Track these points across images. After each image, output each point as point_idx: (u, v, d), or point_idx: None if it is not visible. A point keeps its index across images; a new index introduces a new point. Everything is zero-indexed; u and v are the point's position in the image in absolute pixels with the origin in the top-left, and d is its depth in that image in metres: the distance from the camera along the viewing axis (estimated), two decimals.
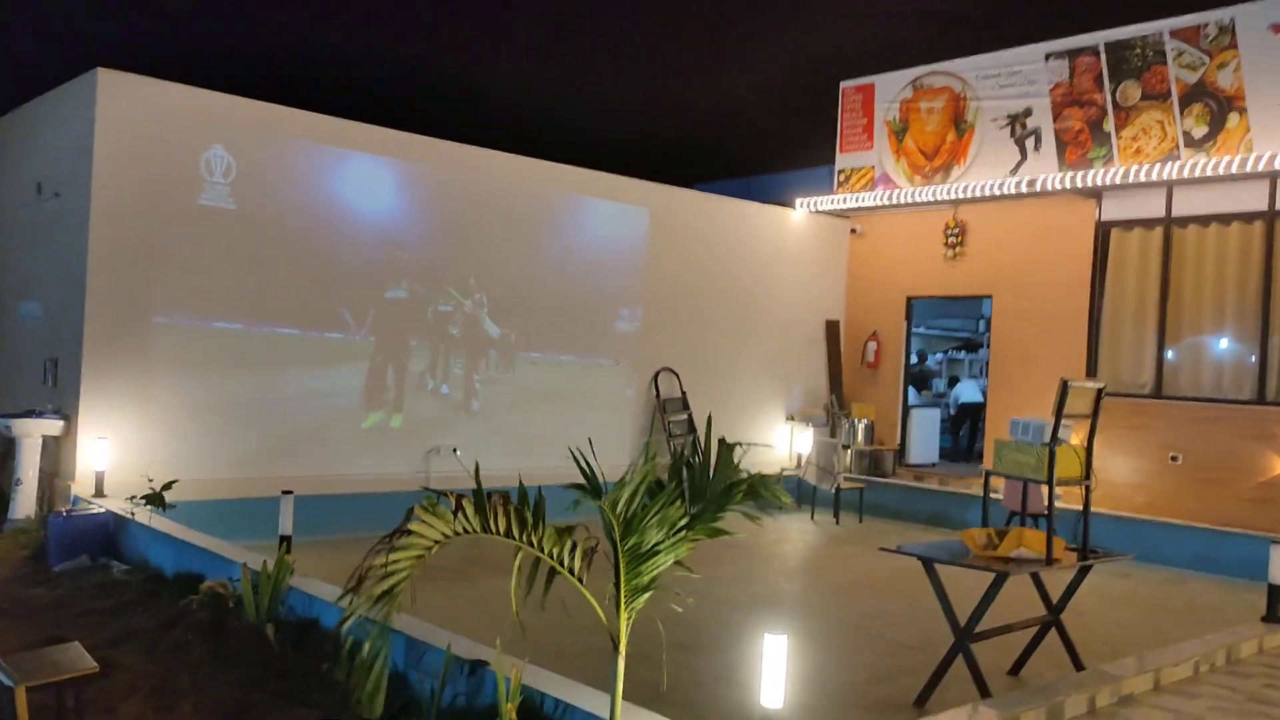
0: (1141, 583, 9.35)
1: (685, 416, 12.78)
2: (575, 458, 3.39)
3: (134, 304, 8.75)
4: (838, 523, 12.15)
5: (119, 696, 4.73)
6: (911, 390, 15.74)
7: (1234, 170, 10.49)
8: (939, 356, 19.50)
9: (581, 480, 3.41)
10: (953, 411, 16.45)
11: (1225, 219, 11.04)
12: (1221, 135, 10.81)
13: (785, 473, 13.34)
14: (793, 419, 14.03)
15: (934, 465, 14.28)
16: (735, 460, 3.92)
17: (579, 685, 4.23)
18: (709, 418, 3.93)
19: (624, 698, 4.13)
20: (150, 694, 4.74)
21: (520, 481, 3.47)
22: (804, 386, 14.33)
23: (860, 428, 13.88)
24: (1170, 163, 11.08)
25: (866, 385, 14.43)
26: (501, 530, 3.24)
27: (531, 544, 3.32)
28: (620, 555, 3.40)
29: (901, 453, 14.04)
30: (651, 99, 14.17)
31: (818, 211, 14.21)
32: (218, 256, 9.21)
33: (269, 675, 4.97)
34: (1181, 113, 11.10)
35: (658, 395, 12.67)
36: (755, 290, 13.69)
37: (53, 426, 8.56)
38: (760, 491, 3.83)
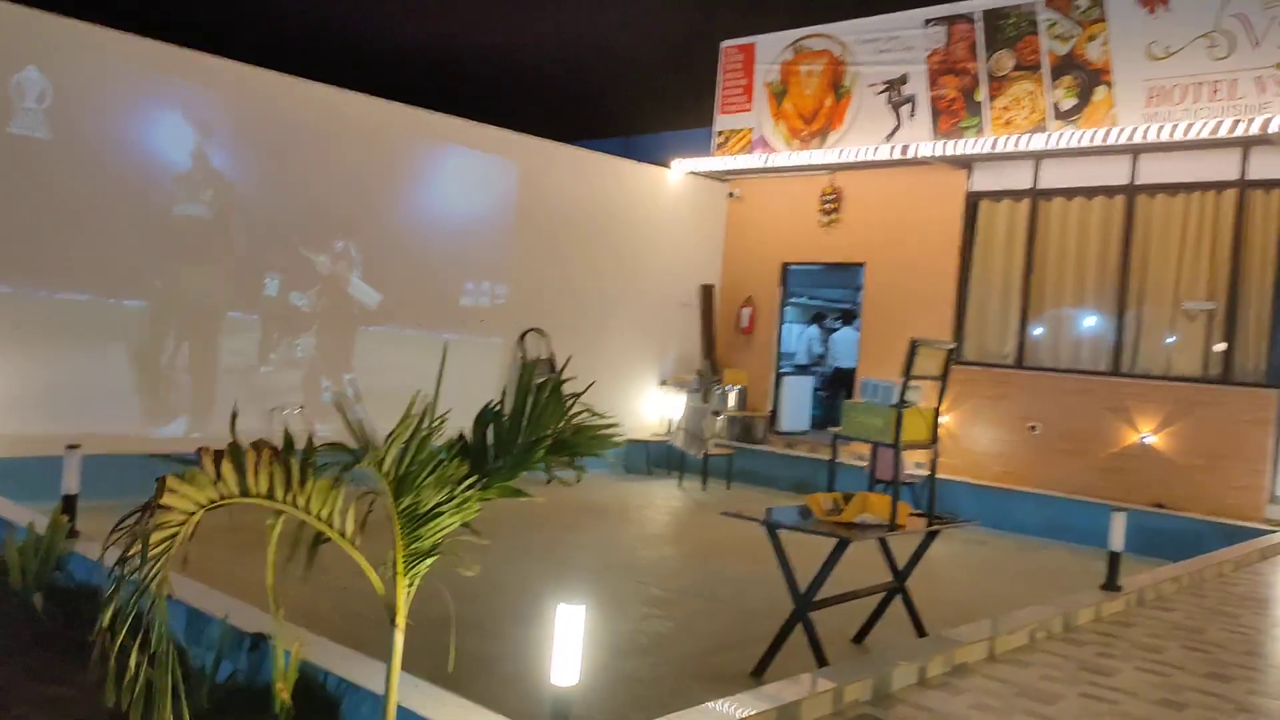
0: (995, 550, 9.41)
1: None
2: (341, 410, 2.96)
3: None
4: (704, 489, 11.97)
5: None
6: (811, 341, 15.70)
7: (1098, 143, 10.59)
8: (812, 331, 19.48)
9: (348, 441, 2.97)
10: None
11: (1089, 192, 11.16)
12: (1088, 108, 10.91)
13: (656, 438, 13.12)
14: (665, 383, 13.78)
15: (805, 433, 14.23)
16: (563, 409, 3.54)
17: (368, 660, 3.83)
18: (525, 364, 3.53)
19: (422, 674, 3.76)
20: None
21: (286, 434, 3.01)
22: (678, 351, 14.08)
23: (732, 394, 13.72)
24: (1038, 134, 11.13)
25: (740, 351, 14.28)
26: (263, 491, 2.80)
27: (295, 505, 2.88)
28: (395, 517, 2.99)
29: (773, 420, 13.95)
30: (531, 41, 13.60)
31: (696, 173, 13.92)
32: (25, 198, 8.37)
33: (29, 647, 4.41)
34: (1052, 84, 11.16)
35: (524, 357, 12.23)
36: (630, 251, 13.34)
37: None
38: (576, 447, 3.46)
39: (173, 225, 9.29)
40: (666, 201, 13.78)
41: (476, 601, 6.17)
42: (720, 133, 14.01)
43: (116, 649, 2.84)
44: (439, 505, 3.02)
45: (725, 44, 13.85)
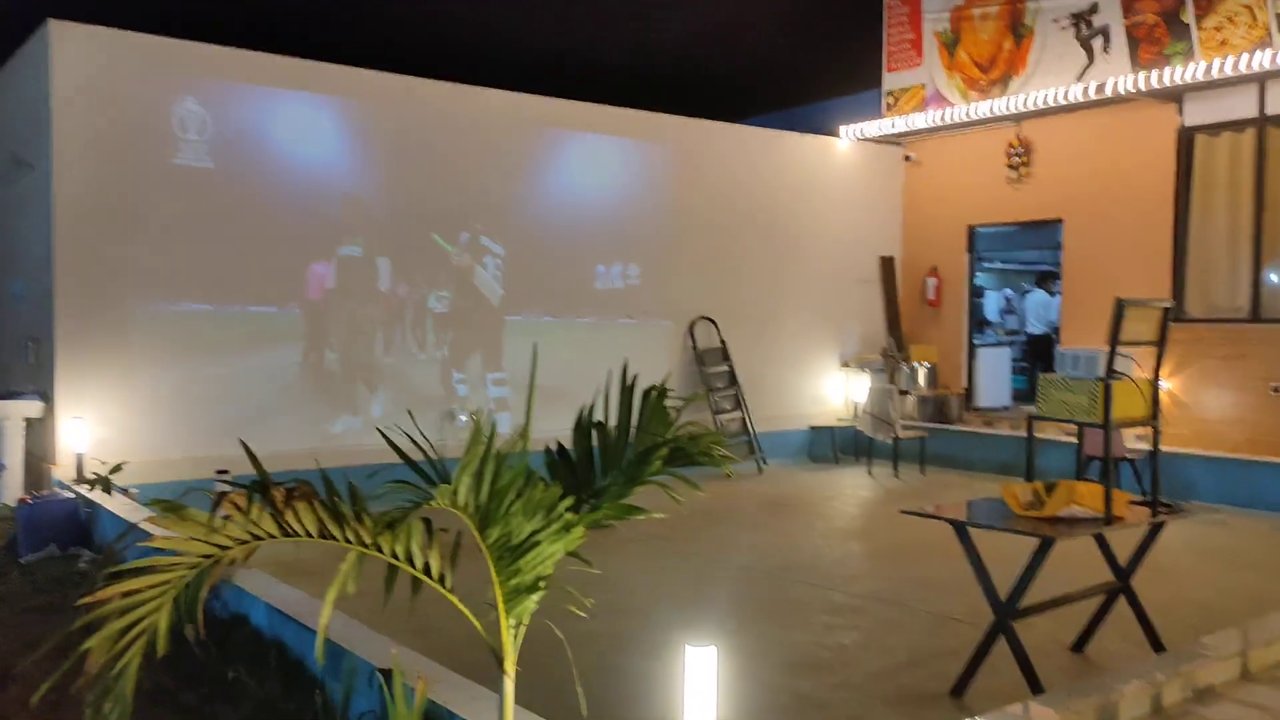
0: (1239, 533, 8.17)
1: (726, 368, 11.87)
2: (387, 438, 2.56)
3: (107, 275, 8.20)
4: (896, 475, 11.16)
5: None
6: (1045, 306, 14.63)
7: None
8: (1007, 293, 18.12)
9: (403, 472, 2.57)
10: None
11: None
12: None
13: (841, 422, 12.39)
14: (848, 365, 12.99)
15: (1006, 409, 13.09)
16: (669, 416, 3.05)
17: (492, 696, 3.44)
18: (624, 365, 3.05)
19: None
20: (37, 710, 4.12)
21: (320, 469, 2.63)
22: (859, 330, 13.25)
23: (921, 371, 12.79)
24: (1262, 52, 9.65)
25: (928, 325, 13.29)
26: (314, 531, 2.44)
27: (364, 543, 2.51)
28: (486, 552, 2.57)
29: (969, 396, 12.90)
30: (681, 29, 13.11)
31: (865, 139, 13.03)
32: (195, 223, 8.60)
33: (182, 686, 4.31)
34: None
35: (695, 347, 11.78)
36: (800, 228, 12.62)
37: (32, 408, 8.10)
38: (693, 455, 2.95)
39: (328, 235, 9.38)
40: (836, 172, 12.97)
41: (633, 617, 5.76)
42: (890, 93, 13.05)
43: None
44: (535, 534, 2.58)
45: None
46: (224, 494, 2.73)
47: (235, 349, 8.86)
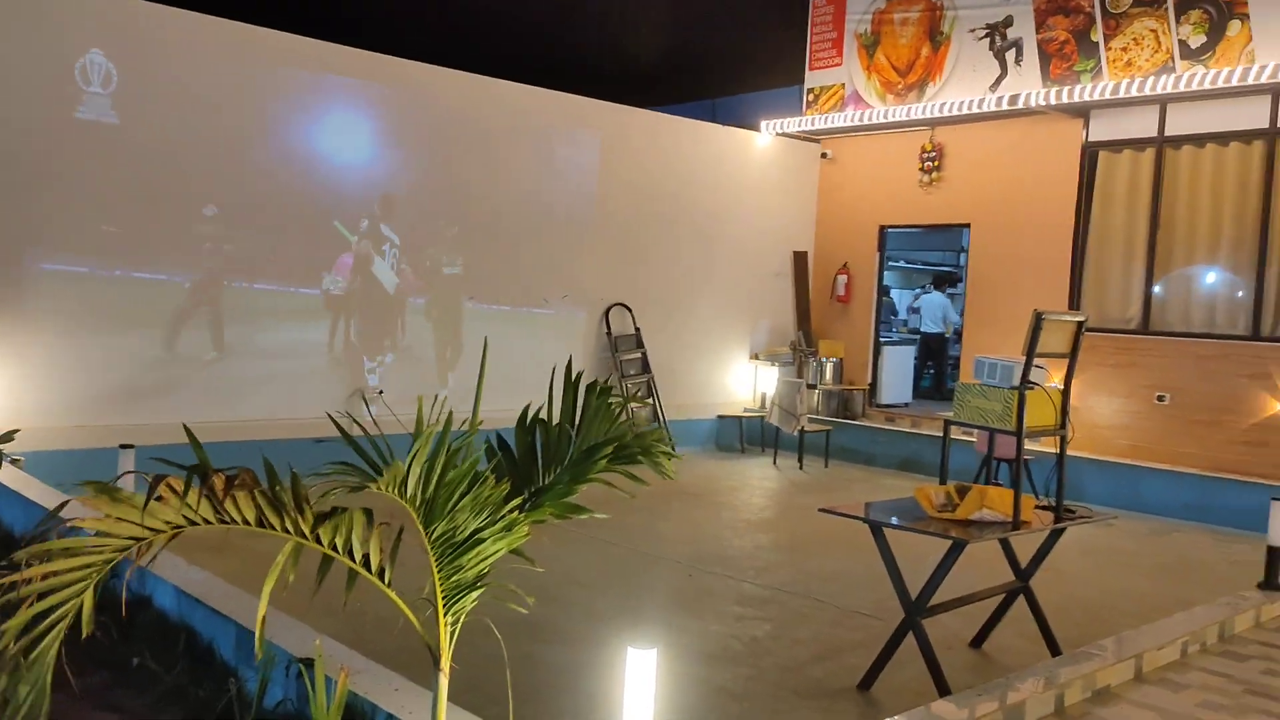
0: (1126, 534, 8.60)
1: (639, 355, 11.91)
2: (335, 422, 2.50)
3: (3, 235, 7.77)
4: (801, 468, 11.38)
5: None
6: (946, 309, 14.99)
7: (1234, 83, 9.54)
8: (915, 292, 18.62)
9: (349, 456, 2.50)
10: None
11: (1222, 138, 10.10)
12: (1221, 45, 9.84)
13: (749, 414, 12.56)
14: (757, 358, 13.18)
15: (907, 405, 13.49)
16: (614, 413, 3.04)
17: (423, 692, 3.40)
18: (569, 362, 3.03)
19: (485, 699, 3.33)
20: None
21: (266, 463, 2.54)
22: (771, 322, 13.45)
23: (828, 366, 13.05)
24: (1164, 76, 10.11)
25: (836, 321, 13.56)
26: (252, 520, 2.36)
27: (303, 534, 2.44)
28: (429, 548, 2.53)
29: (873, 392, 13.23)
30: (607, 11, 13.04)
31: (784, 134, 13.19)
32: (96, 182, 8.20)
33: (83, 666, 4.12)
34: (1177, 20, 10.11)
35: (609, 333, 11.78)
36: (718, 219, 12.72)
37: None
38: (638, 455, 2.95)
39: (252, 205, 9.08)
40: (755, 166, 13.10)
41: (552, 605, 5.75)
42: (810, 90, 13.24)
43: None
44: (479, 531, 2.54)
45: None
46: (161, 476, 2.62)
47: (136, 316, 8.50)
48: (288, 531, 2.46)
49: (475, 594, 2.71)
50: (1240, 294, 10.04)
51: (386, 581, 2.65)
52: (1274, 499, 5.42)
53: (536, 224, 11.06)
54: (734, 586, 6.55)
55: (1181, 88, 9.92)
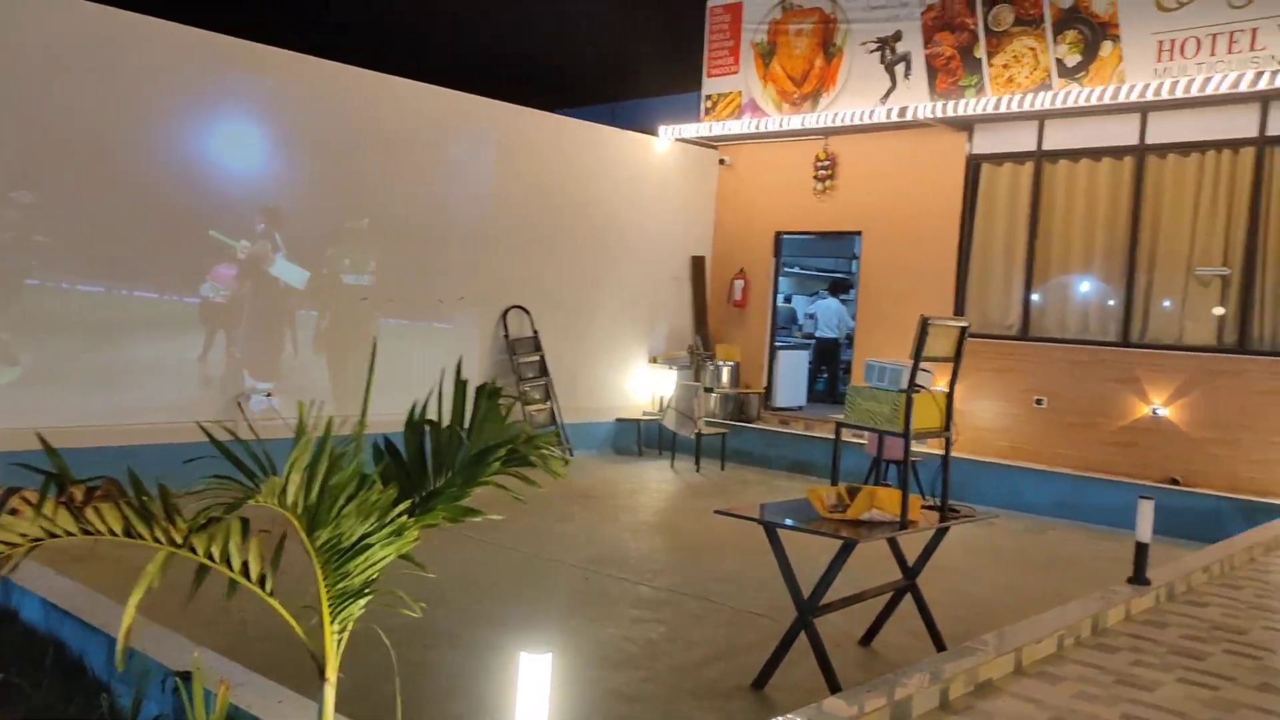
0: (1006, 532, 8.93)
1: (537, 358, 11.85)
2: (206, 431, 2.41)
3: None
4: (698, 470, 11.48)
5: None
6: (841, 315, 15.24)
7: (1106, 101, 10.02)
8: (810, 297, 19.00)
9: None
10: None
11: (1095, 153, 10.59)
12: (1094, 65, 10.33)
13: (647, 417, 12.61)
14: (655, 360, 13.25)
15: (802, 409, 13.74)
16: (505, 414, 3.00)
17: (307, 703, 3.30)
18: (459, 363, 2.99)
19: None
20: None
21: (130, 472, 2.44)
22: (669, 326, 13.54)
23: (725, 370, 13.21)
24: (1042, 93, 10.55)
25: (733, 325, 13.74)
26: (119, 530, 2.25)
27: (175, 543, 2.34)
28: (314, 556, 2.45)
29: (768, 396, 13.44)
30: (512, 12, 12.94)
31: (684, 140, 13.31)
32: None
33: None
34: (1055, 39, 10.56)
35: (507, 336, 11.68)
36: (617, 223, 12.75)
37: None
38: (529, 457, 2.92)
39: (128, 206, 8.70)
40: (654, 170, 13.18)
41: (446, 610, 5.66)
42: (708, 97, 13.40)
43: None
44: (366, 537, 2.48)
45: (712, 3, 13.22)
46: (14, 489, 2.49)
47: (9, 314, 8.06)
48: (159, 542, 2.36)
49: (363, 601, 2.64)
50: (1111, 302, 10.54)
51: (268, 590, 2.56)
52: (1141, 497, 5.69)
53: (432, 225, 10.90)
54: (630, 589, 6.55)
55: (1058, 104, 10.37)
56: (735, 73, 13.10)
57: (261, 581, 2.55)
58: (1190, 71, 9.65)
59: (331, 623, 2.58)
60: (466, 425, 2.91)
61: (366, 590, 2.59)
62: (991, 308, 11.34)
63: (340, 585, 2.54)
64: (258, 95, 9.56)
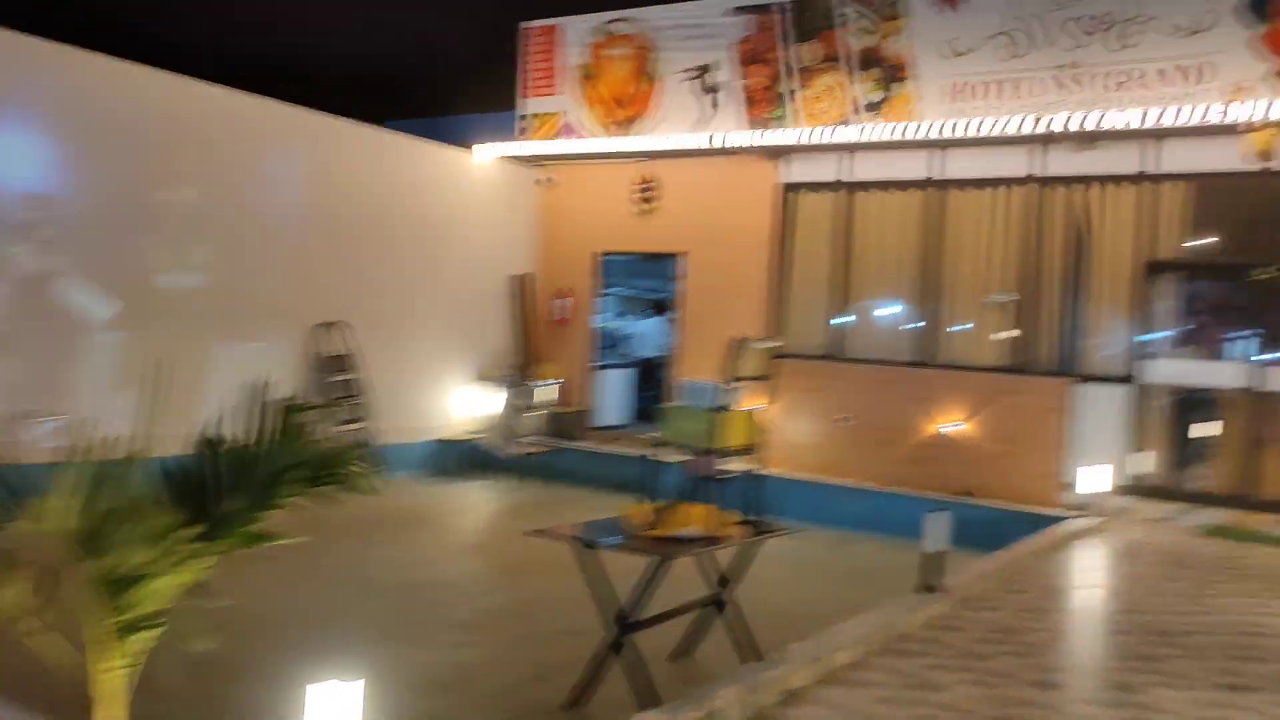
0: (813, 546, 9.22)
1: (352, 376, 11.48)
2: None
3: None
4: (519, 491, 11.41)
5: None
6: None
7: (898, 137, 10.70)
8: (634, 317, 19.29)
9: None
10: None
11: (899, 185, 11.25)
12: (891, 103, 10.97)
13: (467, 436, 12.44)
14: (477, 379, 13.09)
15: (625, 427, 13.88)
16: (307, 433, 2.90)
17: None
18: (264, 381, 2.87)
19: None
20: None
21: None
22: (492, 345, 13.41)
23: (548, 389, 13.19)
24: (844, 127, 11.13)
25: (557, 344, 13.76)
26: None
27: None
28: (85, 587, 2.29)
29: (591, 415, 13.52)
30: (332, 24, 12.59)
31: (506, 158, 13.28)
32: None
33: None
34: (856, 77, 11.16)
35: (323, 353, 11.28)
36: (437, 239, 12.55)
37: None
38: (336, 474, 2.83)
39: None
40: (473, 187, 13.07)
41: (250, 640, 5.40)
42: (526, 116, 13.49)
43: None
44: (149, 564, 2.34)
45: (526, 25, 13.33)
46: None
47: None
48: None
49: (152, 633, 2.49)
50: (913, 325, 11.20)
51: (40, 625, 2.38)
52: (928, 512, 6.05)
53: (244, 238, 10.42)
54: (446, 613, 6.44)
55: (859, 138, 10.99)
56: (554, 94, 13.22)
57: (35, 615, 2.37)
58: (978, 113, 10.39)
59: (110, 656, 2.41)
60: (266, 445, 2.80)
61: (152, 621, 2.44)
62: (804, 330, 11.81)
63: (124, 617, 2.39)
64: (46, 96, 8.91)
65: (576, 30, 13.10)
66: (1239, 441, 9.56)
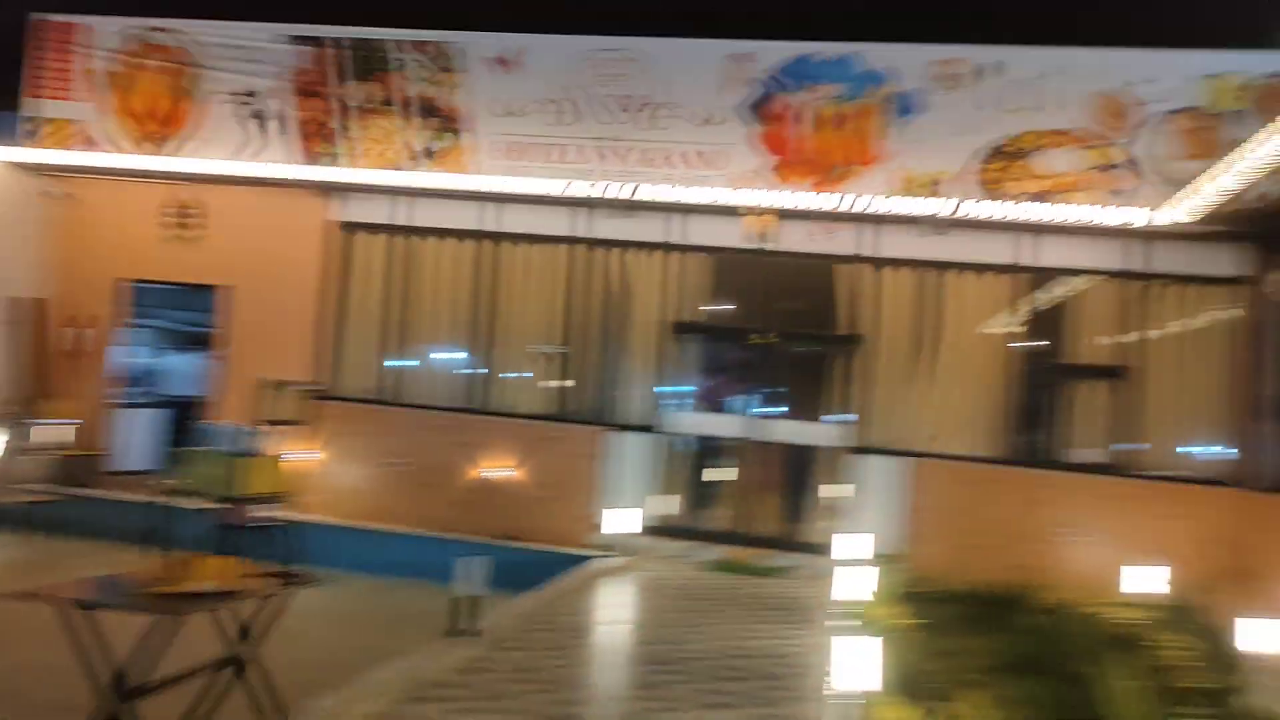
0: (354, 594, 9.02)
1: None
2: None
3: None
4: (17, 546, 9.87)
5: None
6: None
7: (452, 188, 11.05)
8: (168, 352, 17.67)
9: None
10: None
11: (457, 234, 11.48)
12: (448, 153, 11.23)
13: None
14: None
15: (152, 473, 12.57)
16: None
17: None
18: None
19: None
20: None
21: None
22: None
23: (59, 429, 11.61)
24: (400, 171, 11.20)
25: (71, 379, 12.17)
26: None
27: None
28: None
29: (111, 458, 12.10)
30: None
31: (5, 163, 11.66)
32: None
33: None
34: (414, 123, 11.30)
35: None
36: None
37: None
38: None
39: None
40: None
41: None
42: (35, 119, 11.98)
43: None
44: None
45: (39, 16, 11.93)
46: None
47: None
48: None
49: None
50: (465, 372, 11.44)
51: None
52: (457, 557, 6.19)
53: None
54: None
55: (412, 184, 11.14)
56: (72, 99, 11.92)
57: None
58: (533, 172, 10.96)
59: None
60: None
61: None
62: (358, 373, 11.56)
63: None
64: None
65: (106, 32, 11.94)
66: (742, 485, 10.90)
